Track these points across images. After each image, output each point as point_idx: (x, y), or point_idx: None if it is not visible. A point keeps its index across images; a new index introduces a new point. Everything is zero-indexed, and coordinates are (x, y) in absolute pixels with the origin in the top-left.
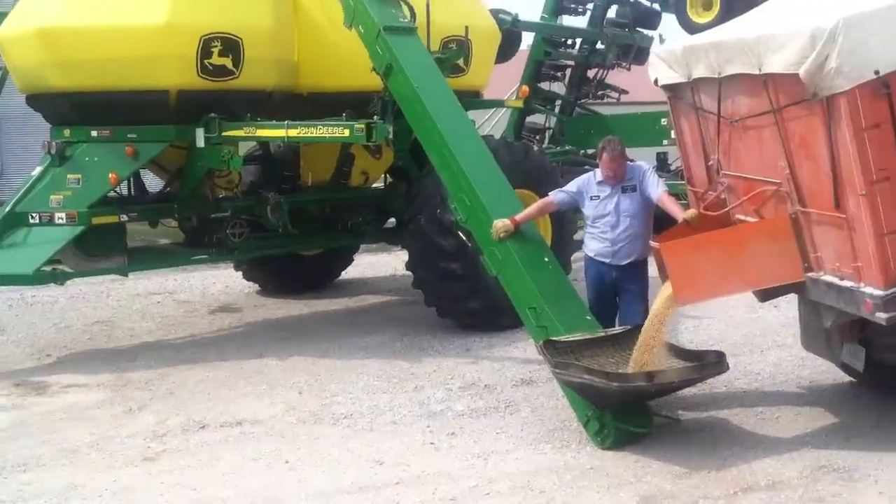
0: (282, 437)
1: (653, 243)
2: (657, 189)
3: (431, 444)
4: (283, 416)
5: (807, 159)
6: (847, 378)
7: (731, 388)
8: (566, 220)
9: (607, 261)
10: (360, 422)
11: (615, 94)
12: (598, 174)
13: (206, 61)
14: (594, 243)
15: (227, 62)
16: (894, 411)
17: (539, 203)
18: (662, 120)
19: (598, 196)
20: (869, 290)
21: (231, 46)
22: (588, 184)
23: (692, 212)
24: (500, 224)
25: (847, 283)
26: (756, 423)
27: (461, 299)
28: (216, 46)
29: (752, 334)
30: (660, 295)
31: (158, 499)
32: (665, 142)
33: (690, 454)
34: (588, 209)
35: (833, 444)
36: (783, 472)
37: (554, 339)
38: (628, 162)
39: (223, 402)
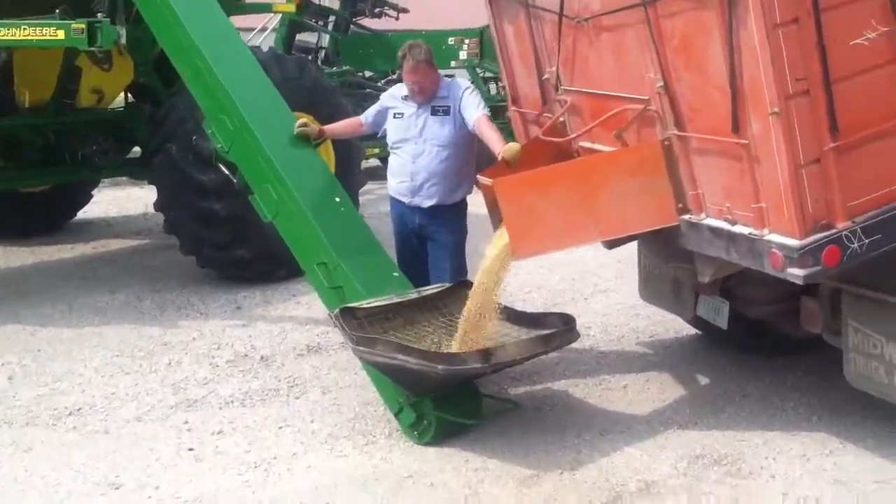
0: None
1: (482, 179)
2: (475, 111)
3: (190, 450)
4: None
5: (689, 69)
6: (690, 330)
7: (562, 349)
8: (352, 146)
9: (406, 200)
10: (90, 419)
11: (394, 13)
12: (405, 87)
13: None
14: (393, 178)
15: None
16: (758, 373)
17: (348, 121)
18: (450, 39)
19: (402, 113)
20: (777, 238)
21: None
22: (393, 97)
23: (512, 147)
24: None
25: (742, 230)
26: (602, 395)
27: (226, 246)
28: None
29: (569, 278)
30: (491, 247)
31: None
32: (453, 63)
33: (533, 447)
34: (390, 130)
35: (701, 422)
36: (654, 466)
37: (353, 305)
38: (445, 77)
39: None
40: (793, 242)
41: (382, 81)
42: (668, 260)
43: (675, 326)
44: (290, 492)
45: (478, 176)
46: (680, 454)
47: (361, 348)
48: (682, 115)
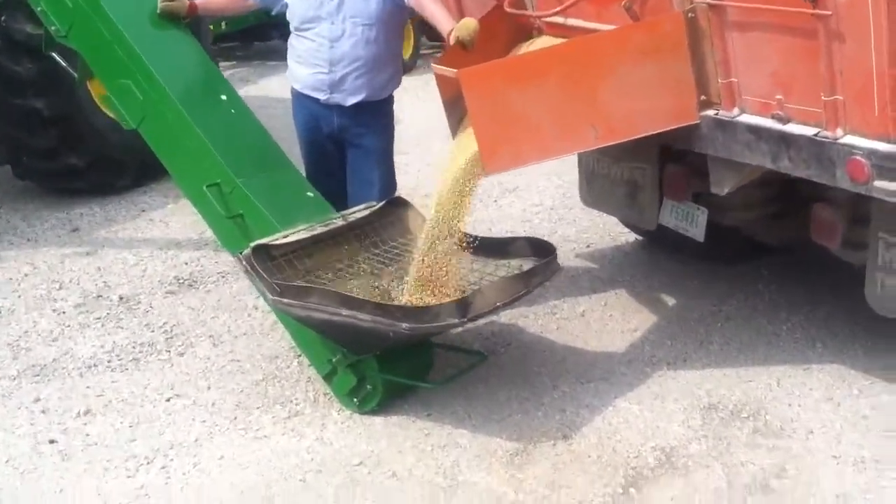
0: None
1: (440, 68)
2: None
3: (52, 443)
4: None
5: None
6: (628, 235)
7: None
8: (199, 25)
9: (322, 97)
10: None
11: None
12: None
13: None
14: (302, 68)
15: None
16: (727, 288)
17: None
18: None
19: None
20: (861, 142)
21: None
22: None
23: (468, 24)
24: None
25: (803, 131)
26: (560, 326)
27: (53, 153)
28: None
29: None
30: (452, 159)
31: None
32: None
33: (505, 408)
34: (294, 5)
35: (690, 357)
36: (662, 426)
37: (265, 241)
38: None
39: None
40: (885, 147)
41: None
42: (621, 158)
43: (610, 231)
44: (208, 499)
45: (433, 65)
46: (686, 406)
47: (287, 300)
48: None
